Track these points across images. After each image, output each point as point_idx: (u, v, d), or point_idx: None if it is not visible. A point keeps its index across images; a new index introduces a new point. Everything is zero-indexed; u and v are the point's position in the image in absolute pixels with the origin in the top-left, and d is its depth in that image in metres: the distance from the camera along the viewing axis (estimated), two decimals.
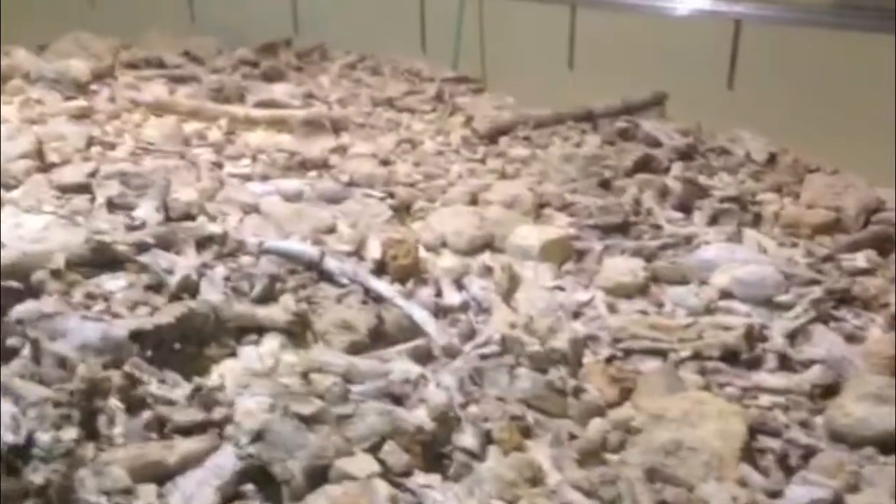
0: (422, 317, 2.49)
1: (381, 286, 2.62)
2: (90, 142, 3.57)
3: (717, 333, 2.30)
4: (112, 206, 3.09)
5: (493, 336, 2.38)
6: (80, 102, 3.94)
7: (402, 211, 3.56)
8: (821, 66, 4.46)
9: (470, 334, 2.45)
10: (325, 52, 6.18)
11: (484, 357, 2.32)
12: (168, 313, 2.19)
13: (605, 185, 3.82)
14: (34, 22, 7.53)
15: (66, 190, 3.16)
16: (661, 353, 2.33)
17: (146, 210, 2.97)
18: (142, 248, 2.52)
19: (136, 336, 2.10)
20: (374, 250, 2.87)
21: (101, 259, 2.52)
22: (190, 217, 3.06)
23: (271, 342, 2.35)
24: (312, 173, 3.95)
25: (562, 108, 4.86)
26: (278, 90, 4.98)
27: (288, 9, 6.71)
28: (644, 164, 3.98)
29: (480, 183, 3.84)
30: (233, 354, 2.30)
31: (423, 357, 2.40)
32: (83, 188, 3.18)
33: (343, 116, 4.62)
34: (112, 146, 3.63)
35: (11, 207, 2.98)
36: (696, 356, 2.27)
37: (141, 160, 3.54)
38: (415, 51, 6.09)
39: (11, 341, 2.18)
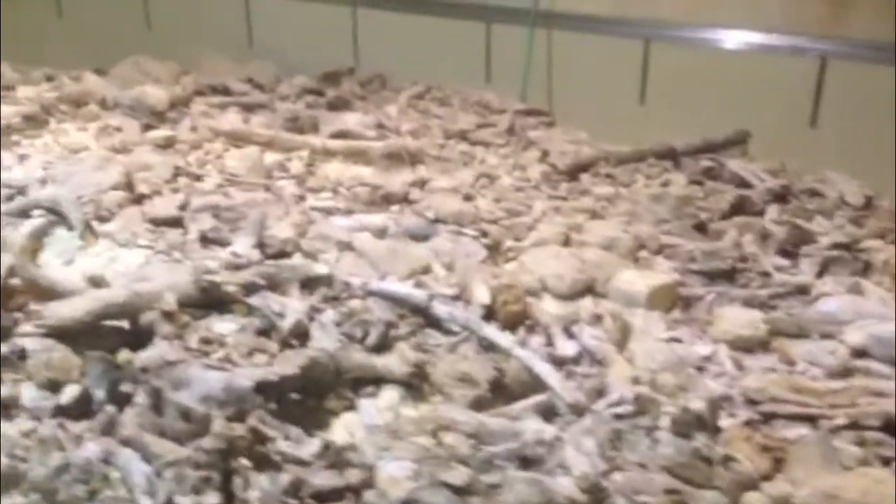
0: (544, 370, 2.35)
1: (498, 335, 2.50)
2: (176, 172, 3.49)
3: (874, 399, 2.15)
4: (205, 240, 3.00)
5: (626, 394, 2.24)
6: (166, 132, 3.86)
7: (494, 250, 3.45)
8: None
9: (599, 391, 2.31)
10: (385, 81, 6.10)
11: (618, 417, 2.18)
12: (290, 363, 2.08)
13: (701, 227, 3.68)
14: (91, 45, 7.54)
15: (159, 223, 3.07)
16: (810, 420, 2.18)
17: (243, 246, 2.87)
18: (251, 289, 2.41)
19: (260, 387, 1.99)
20: (481, 295, 2.75)
21: (209, 299, 2.42)
22: (286, 254, 2.96)
23: (390, 395, 2.23)
24: (395, 208, 3.86)
25: (634, 144, 4.76)
26: (350, 120, 4.88)
27: (345, 36, 6.66)
28: (739, 207, 3.84)
29: (570, 222, 3.72)
30: (351, 407, 2.18)
31: (548, 415, 2.27)
32: (175, 221, 3.10)
33: (419, 149, 4.52)
34: (198, 177, 3.54)
35: (107, 241, 2.90)
36: (853, 425, 2.11)
37: (227, 192, 3.45)
38: (478, 81, 6.01)
39: (125, 387, 2.08)
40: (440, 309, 2.60)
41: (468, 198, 3.96)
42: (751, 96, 4.96)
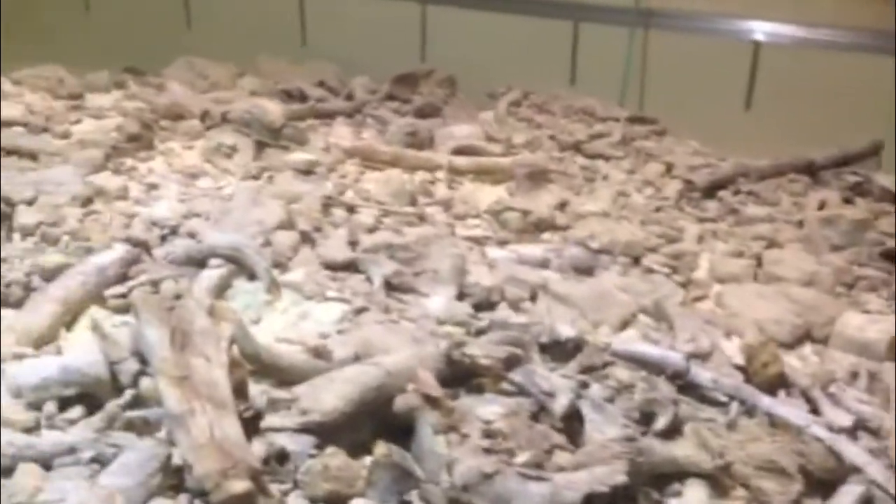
0: (857, 456, 2.04)
1: (787, 410, 2.17)
2: (327, 203, 3.12)
3: None
4: (391, 287, 2.66)
5: None
6: (307, 155, 3.47)
7: (684, 288, 3.13)
8: None
9: None
10: (455, 83, 5.70)
11: None
12: (607, 465, 1.74)
13: (890, 256, 3.38)
14: (123, 43, 7.12)
15: (335, 268, 2.71)
16: None
17: (446, 298, 2.53)
18: (510, 362, 2.07)
19: (588, 501, 1.66)
20: (732, 353, 2.43)
21: (458, 374, 2.08)
22: (491, 305, 2.62)
23: (695, 493, 1.91)
24: (546, 235, 3.53)
25: (741, 151, 4.50)
26: (459, 132, 4.53)
27: (405, 33, 6.30)
28: None
29: (739, 249, 3.43)
30: None
31: None
32: (351, 265, 2.74)
33: (545, 166, 4.18)
34: (350, 208, 3.17)
35: (290, 293, 2.54)
36: None
37: (392, 227, 3.09)
38: (561, 83, 5.70)
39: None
40: (701, 375, 2.27)
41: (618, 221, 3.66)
42: (863, 101, 4.70)
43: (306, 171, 3.32)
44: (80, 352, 1.92)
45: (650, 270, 3.15)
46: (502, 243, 3.37)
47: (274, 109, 3.76)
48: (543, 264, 3.18)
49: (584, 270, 3.19)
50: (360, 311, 2.42)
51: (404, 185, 3.43)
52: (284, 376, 2.07)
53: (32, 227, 2.81)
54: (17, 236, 2.85)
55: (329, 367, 2.09)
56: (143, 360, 1.95)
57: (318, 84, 5.43)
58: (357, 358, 2.12)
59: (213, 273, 2.45)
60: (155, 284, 2.42)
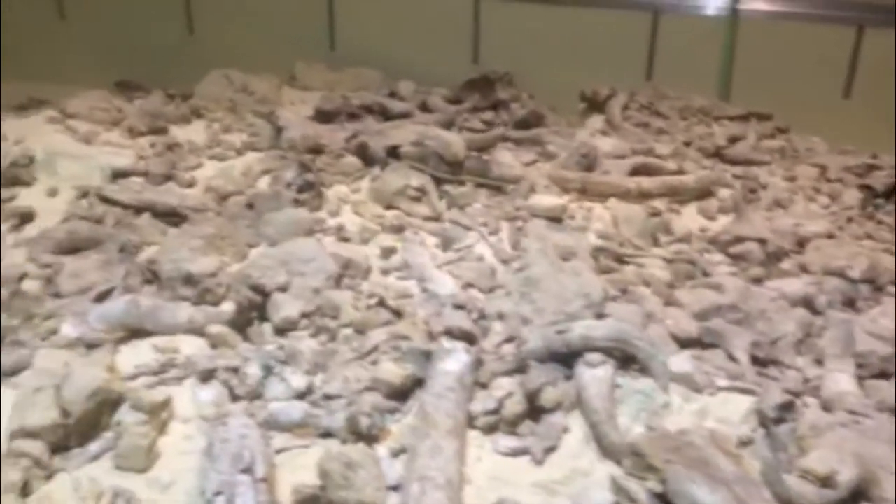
0: None
1: None
2: (594, 255, 2.65)
3: None
4: (757, 362, 2.24)
5: None
6: (556, 199, 2.95)
7: None
8: None
9: None
10: (512, 81, 5.25)
11: None
12: None
13: None
14: (109, 53, 6.45)
15: (683, 343, 2.27)
16: None
17: (850, 376, 2.14)
18: None
19: None
20: None
21: None
22: (886, 376, 2.24)
23: None
24: (784, 266, 3.17)
25: (861, 144, 4.31)
26: (605, 145, 4.10)
27: (444, 31, 5.84)
28: None
29: None
30: None
31: None
32: (699, 340, 2.30)
33: (721, 179, 3.83)
34: (619, 259, 2.71)
35: (676, 387, 2.08)
36: None
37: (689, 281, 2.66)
38: (636, 79, 5.40)
39: None
40: None
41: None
42: None
43: (557, 218, 2.82)
44: None
45: None
46: (756, 281, 2.99)
47: (455, 140, 3.24)
48: (806, 303, 2.84)
49: (847, 305, 2.87)
50: (784, 406, 1.99)
51: (645, 221, 2.99)
52: None
53: (295, 321, 2.26)
54: (266, 328, 2.29)
55: (840, 497, 1.68)
56: None
57: (390, 95, 4.91)
58: (865, 483, 1.71)
59: (599, 374, 1.97)
60: (532, 396, 1.93)
